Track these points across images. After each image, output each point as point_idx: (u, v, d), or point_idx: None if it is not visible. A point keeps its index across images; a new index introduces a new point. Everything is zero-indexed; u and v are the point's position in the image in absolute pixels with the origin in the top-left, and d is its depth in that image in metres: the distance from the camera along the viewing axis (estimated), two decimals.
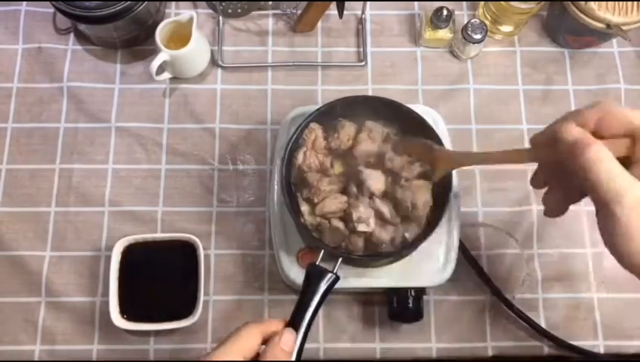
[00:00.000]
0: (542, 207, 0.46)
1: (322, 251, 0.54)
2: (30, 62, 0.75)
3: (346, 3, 0.69)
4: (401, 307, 0.61)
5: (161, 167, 0.71)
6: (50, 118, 0.73)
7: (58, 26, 0.77)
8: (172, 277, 0.66)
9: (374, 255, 0.58)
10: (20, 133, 0.72)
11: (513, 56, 0.77)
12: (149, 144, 0.72)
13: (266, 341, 0.45)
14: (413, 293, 0.62)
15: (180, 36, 0.70)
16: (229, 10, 0.77)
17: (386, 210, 0.57)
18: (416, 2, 0.79)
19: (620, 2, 0.68)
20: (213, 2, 0.77)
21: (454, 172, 0.66)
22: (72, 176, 0.71)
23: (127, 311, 0.64)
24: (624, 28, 0.68)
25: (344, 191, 0.59)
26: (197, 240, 0.65)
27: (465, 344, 0.66)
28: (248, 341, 0.44)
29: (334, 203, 0.57)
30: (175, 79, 0.74)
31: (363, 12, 0.77)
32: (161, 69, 0.70)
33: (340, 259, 0.54)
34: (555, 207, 0.45)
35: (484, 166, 0.71)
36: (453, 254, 0.62)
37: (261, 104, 0.74)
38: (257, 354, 0.44)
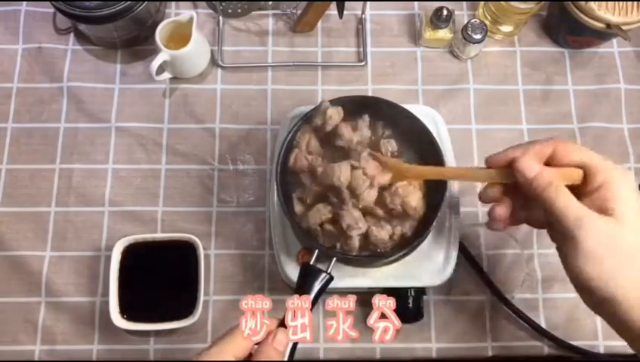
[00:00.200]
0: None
1: (316, 251, 0.54)
2: (30, 62, 0.75)
3: (346, 3, 0.69)
4: (401, 307, 0.61)
5: (161, 167, 0.71)
6: (50, 118, 0.73)
7: (58, 26, 0.77)
8: (172, 277, 0.66)
9: (369, 255, 0.57)
10: (20, 133, 0.72)
11: (513, 56, 0.77)
12: (149, 144, 0.72)
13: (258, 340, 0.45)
14: (413, 293, 0.62)
15: (180, 36, 0.70)
16: (229, 10, 0.77)
17: (379, 211, 0.56)
18: (416, 2, 0.79)
19: (620, 2, 0.68)
20: (213, 2, 0.77)
21: None
22: (72, 176, 0.71)
23: (127, 311, 0.64)
24: (624, 28, 0.68)
25: (328, 199, 0.57)
26: (197, 240, 0.65)
27: (465, 344, 0.66)
28: (241, 341, 0.44)
29: (317, 215, 0.56)
30: (175, 79, 0.74)
31: (363, 12, 0.77)
32: (161, 69, 0.70)
33: (334, 259, 0.53)
34: (503, 221, 0.49)
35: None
36: (453, 254, 0.62)
37: (261, 104, 0.74)
38: (250, 354, 0.44)
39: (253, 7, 0.77)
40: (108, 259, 0.65)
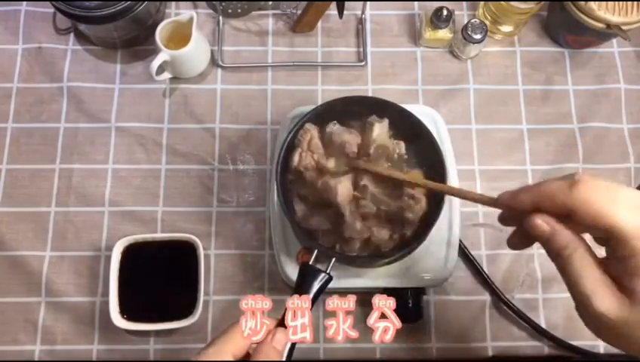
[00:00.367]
0: None
1: (316, 251, 0.54)
2: (30, 62, 0.75)
3: (346, 3, 0.69)
4: (401, 307, 0.61)
5: (161, 167, 0.71)
6: (50, 118, 0.73)
7: (58, 26, 0.77)
8: (172, 277, 0.66)
9: (369, 256, 0.57)
10: (20, 133, 0.72)
11: (513, 56, 0.77)
12: (149, 144, 0.72)
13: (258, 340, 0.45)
14: (413, 293, 0.62)
15: (180, 36, 0.70)
16: (229, 10, 0.77)
17: (381, 213, 0.56)
18: (416, 2, 0.79)
19: (620, 2, 0.68)
20: (213, 2, 0.77)
21: (455, 172, 0.66)
22: (72, 176, 0.71)
23: (127, 311, 0.64)
24: (624, 28, 0.68)
25: (329, 204, 0.57)
26: (197, 240, 0.65)
27: (465, 344, 0.66)
28: (239, 340, 0.44)
29: (317, 220, 0.57)
30: (175, 79, 0.74)
31: (363, 12, 0.77)
32: (161, 69, 0.70)
33: (334, 260, 0.53)
34: (519, 244, 0.46)
35: (484, 166, 0.71)
36: (453, 254, 0.62)
37: (261, 104, 0.74)
38: (248, 354, 0.44)
39: (253, 7, 0.77)
40: (108, 259, 0.66)
